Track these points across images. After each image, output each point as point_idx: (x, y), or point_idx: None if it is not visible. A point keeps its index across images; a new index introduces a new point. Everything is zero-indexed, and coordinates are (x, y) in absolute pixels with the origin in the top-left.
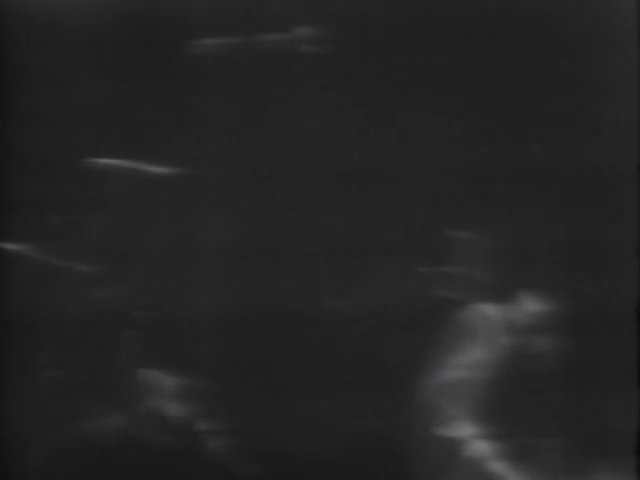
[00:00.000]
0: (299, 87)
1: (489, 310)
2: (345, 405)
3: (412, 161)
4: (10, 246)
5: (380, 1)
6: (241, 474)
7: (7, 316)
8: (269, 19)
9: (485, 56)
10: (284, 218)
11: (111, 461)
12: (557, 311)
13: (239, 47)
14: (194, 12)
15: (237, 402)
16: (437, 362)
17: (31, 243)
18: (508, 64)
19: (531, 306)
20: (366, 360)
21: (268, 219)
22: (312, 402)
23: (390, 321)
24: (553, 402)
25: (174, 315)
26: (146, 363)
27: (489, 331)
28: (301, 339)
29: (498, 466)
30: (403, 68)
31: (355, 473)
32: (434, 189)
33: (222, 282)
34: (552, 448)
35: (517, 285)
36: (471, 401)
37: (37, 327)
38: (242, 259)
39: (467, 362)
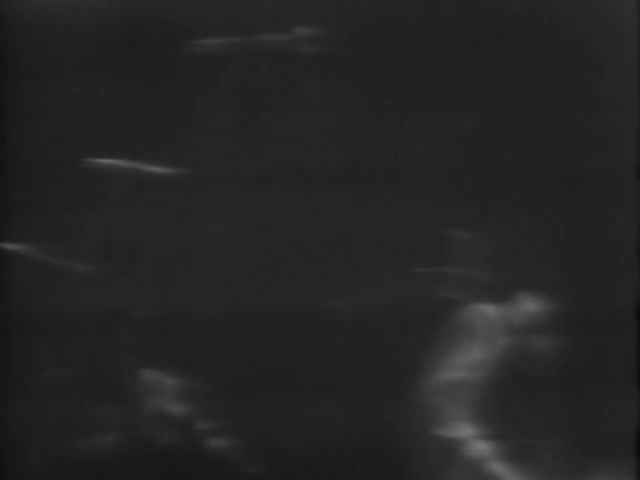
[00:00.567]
0: (299, 87)
1: (489, 310)
2: (345, 405)
3: (412, 161)
4: (10, 246)
5: (380, 1)
6: (241, 474)
7: (7, 316)
8: (269, 19)
9: (485, 56)
10: (284, 218)
11: (111, 461)
12: (557, 311)
13: (239, 47)
14: (194, 12)
15: (237, 402)
16: (436, 362)
17: (31, 243)
18: (508, 64)
19: (531, 306)
20: (366, 360)
21: (268, 219)
22: (311, 402)
23: (390, 321)
24: (552, 403)
25: (174, 315)
26: (146, 363)
27: (488, 331)
28: (301, 339)
29: (497, 467)
30: (403, 68)
31: (355, 473)
32: (434, 189)
33: (222, 282)
34: (551, 449)
35: (517, 285)
36: (470, 402)
37: (37, 327)
38: (242, 259)
39: (466, 362)
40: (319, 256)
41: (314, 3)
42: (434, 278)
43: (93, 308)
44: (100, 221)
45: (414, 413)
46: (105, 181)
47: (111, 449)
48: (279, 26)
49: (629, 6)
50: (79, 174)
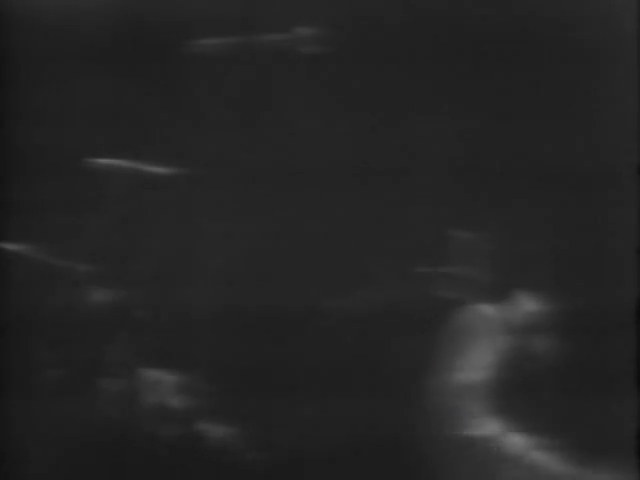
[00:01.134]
0: (299, 87)
1: (488, 310)
2: (344, 405)
3: (412, 161)
4: (10, 246)
5: (381, 1)
6: (241, 475)
7: (7, 316)
8: (269, 19)
9: (485, 57)
10: (284, 218)
11: (111, 460)
12: (557, 311)
13: (239, 47)
14: (194, 12)
15: (237, 402)
16: (437, 363)
17: (31, 243)
18: (508, 65)
19: (531, 306)
20: (365, 360)
21: (268, 219)
22: (311, 401)
23: (389, 321)
24: (552, 402)
25: (174, 315)
26: (146, 362)
27: (488, 331)
28: (300, 338)
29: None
30: (403, 68)
31: (348, 472)
32: (434, 189)
33: (222, 281)
34: (551, 447)
35: (517, 285)
36: (471, 402)
37: (37, 327)
38: (242, 258)
39: (466, 363)
40: (319, 256)
41: (314, 3)
42: (435, 278)
43: (93, 308)
44: (100, 221)
45: (414, 413)
46: (105, 181)
47: (111, 448)
48: (279, 26)
49: (629, 6)
50: (79, 174)
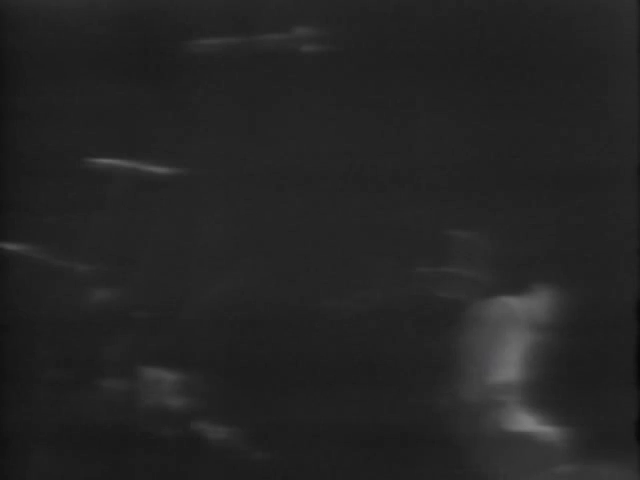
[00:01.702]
0: (299, 87)
1: (488, 309)
2: (344, 405)
3: (413, 161)
4: (10, 246)
5: (381, 1)
6: (241, 475)
7: (7, 316)
8: (269, 19)
9: (486, 57)
10: (284, 218)
11: (111, 460)
12: (557, 311)
13: (239, 47)
14: (194, 12)
15: (237, 402)
16: (440, 361)
17: (31, 243)
18: (508, 65)
19: (530, 305)
20: (365, 359)
21: (268, 219)
22: (311, 401)
23: (389, 321)
24: (552, 402)
25: (174, 315)
26: (146, 362)
27: (487, 331)
28: (301, 339)
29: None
30: (403, 68)
31: (350, 472)
32: (435, 189)
33: (222, 282)
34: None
35: (516, 285)
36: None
37: (37, 327)
38: (242, 259)
39: (465, 362)
40: (319, 256)
41: (314, 3)
42: (435, 278)
43: (93, 308)
44: (100, 221)
45: (413, 412)
46: (105, 181)
47: (111, 448)
48: (279, 26)
49: (629, 6)
50: (79, 174)
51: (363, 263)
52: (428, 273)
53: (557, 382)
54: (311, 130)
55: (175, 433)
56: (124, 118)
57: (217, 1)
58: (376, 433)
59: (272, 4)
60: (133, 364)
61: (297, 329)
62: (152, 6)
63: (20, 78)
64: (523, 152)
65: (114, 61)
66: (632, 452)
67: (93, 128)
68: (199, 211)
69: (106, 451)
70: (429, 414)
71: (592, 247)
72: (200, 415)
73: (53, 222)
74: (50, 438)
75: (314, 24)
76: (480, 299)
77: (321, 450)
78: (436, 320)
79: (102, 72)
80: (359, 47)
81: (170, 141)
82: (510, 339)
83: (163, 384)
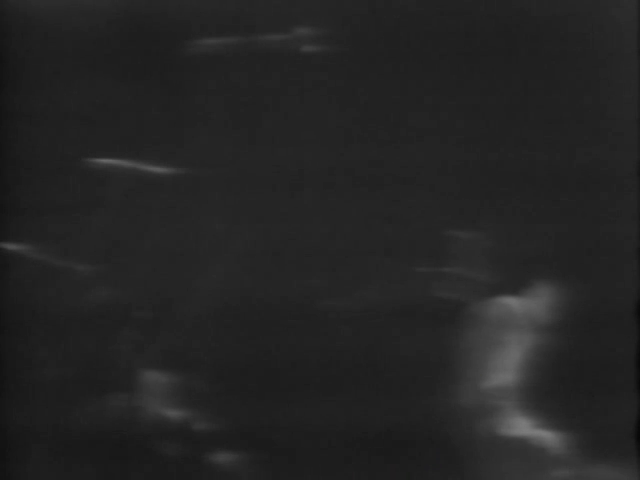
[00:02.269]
0: (299, 87)
1: (488, 309)
2: (344, 404)
3: (412, 161)
4: (10, 246)
5: (381, 1)
6: (241, 475)
7: (6, 316)
8: (269, 19)
9: (486, 57)
10: (284, 218)
11: (110, 460)
12: (557, 310)
13: (239, 47)
14: (194, 12)
15: (238, 402)
16: (439, 361)
17: (31, 243)
18: (509, 64)
19: (530, 305)
20: (364, 359)
21: (268, 219)
22: (310, 401)
23: (389, 321)
24: (551, 401)
25: (174, 315)
26: (146, 362)
27: (487, 330)
28: (300, 339)
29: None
30: (403, 68)
31: (351, 472)
32: (434, 189)
33: (222, 282)
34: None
35: (516, 285)
36: (471, 400)
37: (37, 327)
38: (242, 259)
39: (464, 362)
40: (319, 256)
41: (314, 3)
42: (435, 278)
43: (93, 308)
44: (100, 221)
45: (413, 413)
46: (105, 181)
47: (110, 448)
48: (279, 26)
49: (629, 6)
50: (79, 174)
51: (362, 263)
52: (428, 273)
53: (557, 384)
54: (311, 130)
55: (174, 432)
56: (124, 118)
57: (217, 1)
58: (371, 435)
59: (272, 4)
60: (133, 364)
61: (297, 329)
62: (152, 6)
63: (20, 78)
64: (523, 152)
65: (114, 61)
66: (631, 456)
67: (93, 128)
68: (199, 211)
69: (106, 450)
70: (427, 416)
71: (592, 247)
72: (200, 414)
73: (53, 222)
74: (50, 438)
75: (314, 24)
76: (480, 299)
77: (316, 451)
78: (436, 320)
79: (102, 72)
80: (359, 47)
81: (170, 141)
82: (509, 340)
83: (163, 384)
